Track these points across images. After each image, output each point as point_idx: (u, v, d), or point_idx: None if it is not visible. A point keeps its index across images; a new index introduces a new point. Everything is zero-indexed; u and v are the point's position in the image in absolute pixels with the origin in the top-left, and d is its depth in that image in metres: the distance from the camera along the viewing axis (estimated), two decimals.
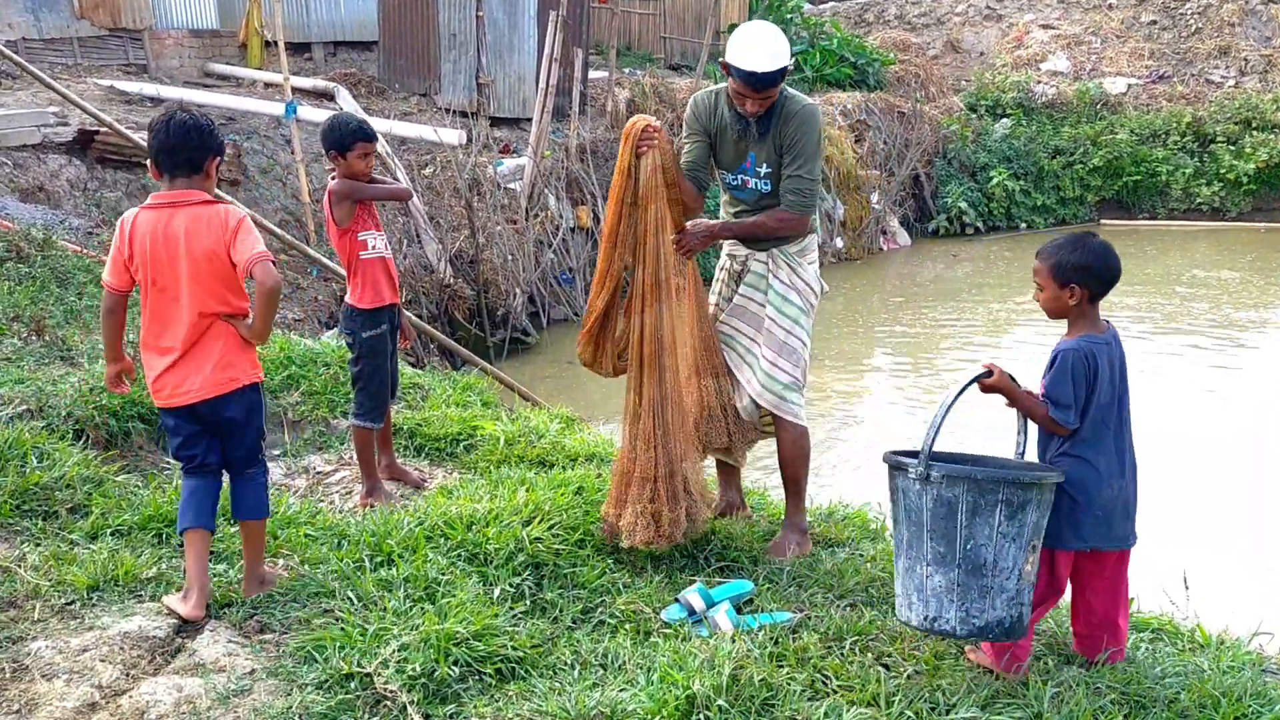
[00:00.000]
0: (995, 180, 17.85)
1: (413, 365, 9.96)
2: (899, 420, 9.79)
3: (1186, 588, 4.55)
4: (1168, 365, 10.82)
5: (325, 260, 8.94)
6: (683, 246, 4.18)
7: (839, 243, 15.78)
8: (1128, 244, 16.84)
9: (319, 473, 5.63)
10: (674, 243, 4.13)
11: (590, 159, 13.38)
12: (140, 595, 3.60)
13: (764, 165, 4.17)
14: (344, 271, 5.10)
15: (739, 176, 4.26)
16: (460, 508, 4.23)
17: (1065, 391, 3.28)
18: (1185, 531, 6.92)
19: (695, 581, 4.08)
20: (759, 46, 3.94)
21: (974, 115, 19.33)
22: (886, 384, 11.16)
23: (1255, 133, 17.74)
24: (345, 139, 4.81)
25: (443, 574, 3.74)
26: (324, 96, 13.83)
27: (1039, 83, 20.68)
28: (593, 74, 15.10)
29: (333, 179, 4.90)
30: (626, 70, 15.99)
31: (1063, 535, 3.32)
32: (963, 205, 17.52)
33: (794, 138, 4.08)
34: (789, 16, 19.12)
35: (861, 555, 4.42)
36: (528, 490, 4.47)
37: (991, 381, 3.34)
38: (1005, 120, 19.12)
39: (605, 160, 13.61)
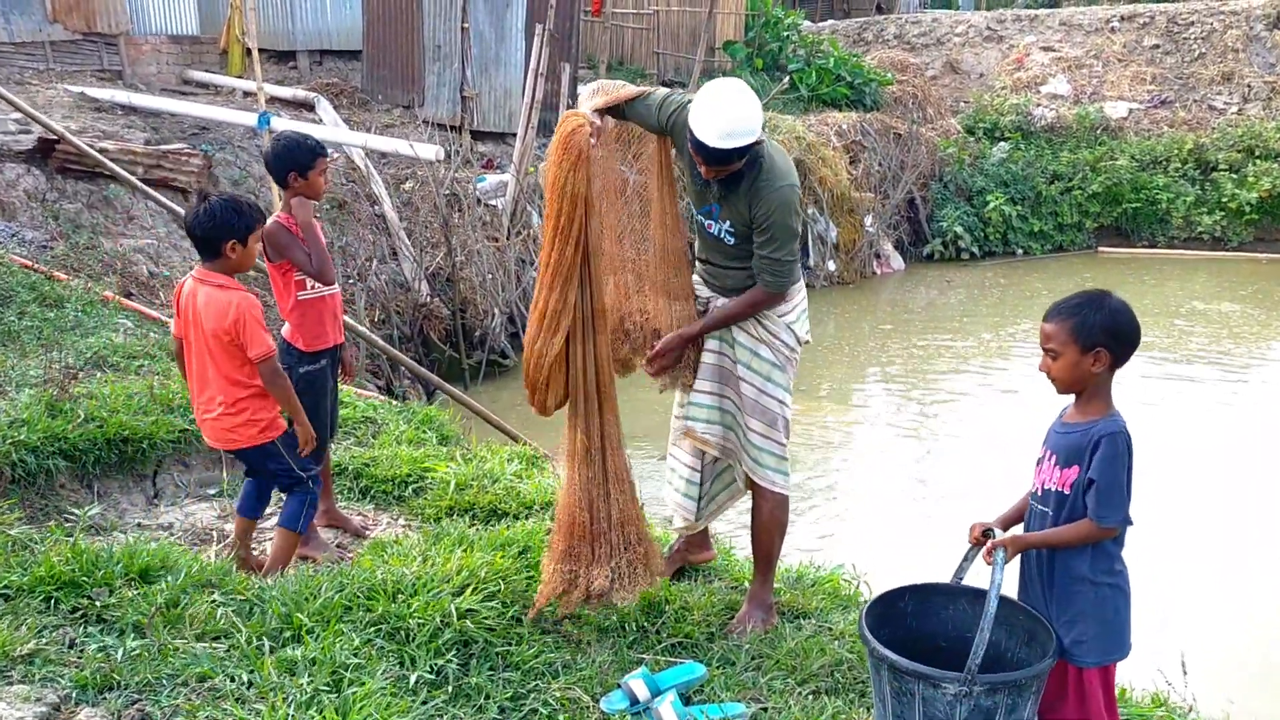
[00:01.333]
0: (992, 205, 17.49)
1: (383, 391, 9.58)
2: (883, 461, 9.39)
3: (1185, 673, 4.17)
4: (1165, 399, 10.44)
5: None
6: (656, 367, 3.92)
7: (831, 266, 15.41)
8: (1126, 273, 16.48)
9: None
10: (648, 363, 3.86)
11: None
12: (9, 676, 3.19)
13: (727, 222, 3.78)
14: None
15: (701, 217, 3.89)
16: (386, 573, 3.83)
17: (1120, 488, 2.84)
18: (1177, 587, 6.53)
19: (643, 661, 3.69)
20: (716, 118, 3.49)
21: (971, 138, 18.98)
22: (873, 418, 10.77)
23: (1258, 161, 17.38)
24: (306, 158, 4.47)
25: (355, 654, 3.34)
26: (303, 107, 13.46)
27: (1038, 105, 20.34)
28: (580, 89, 14.73)
29: (280, 210, 4.53)
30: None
31: (1121, 646, 2.99)
32: (958, 230, 17.14)
33: (766, 220, 3.66)
34: (786, 34, 18.79)
35: (829, 630, 4.03)
36: (464, 552, 4.07)
37: (1000, 542, 2.94)
38: (1003, 144, 18.76)
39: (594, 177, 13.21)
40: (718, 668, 3.68)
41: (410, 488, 5.49)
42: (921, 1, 31.77)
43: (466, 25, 13.37)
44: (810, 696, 3.54)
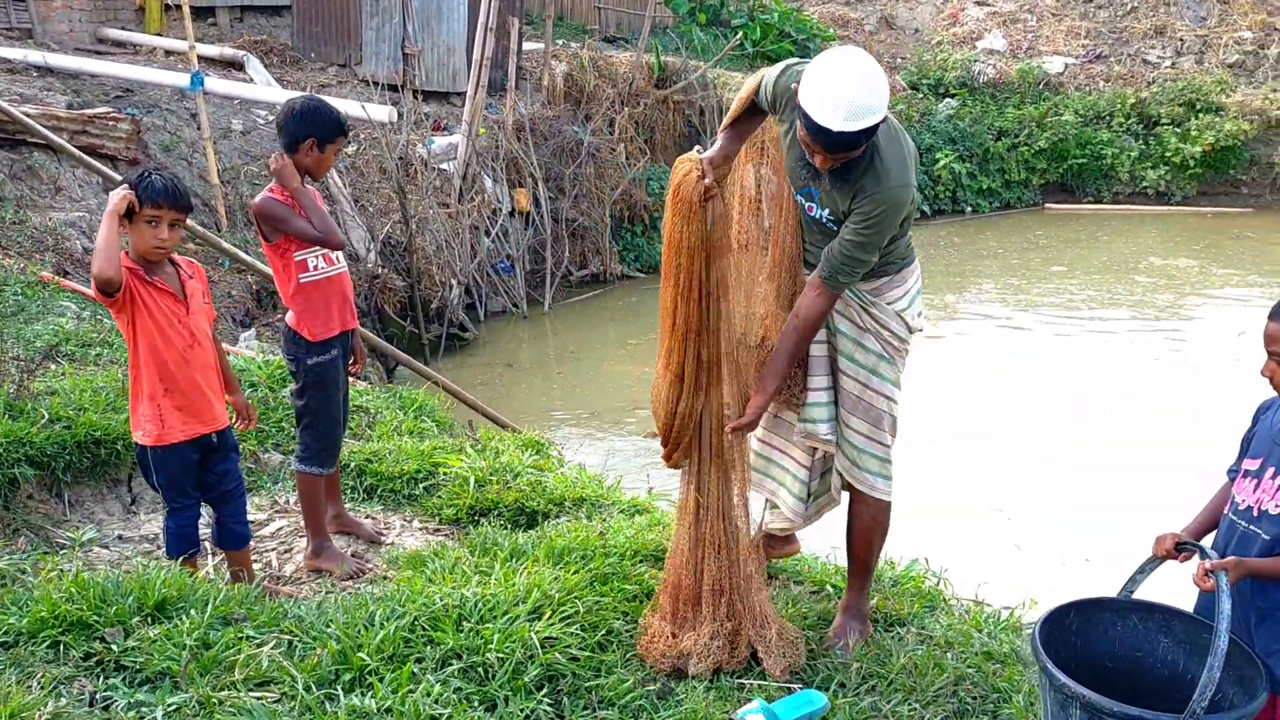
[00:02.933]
0: (941, 163, 17.28)
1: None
2: None
3: None
4: (1148, 358, 10.33)
5: (238, 252, 7.86)
6: (742, 431, 3.42)
7: None
8: (1077, 230, 16.45)
9: (250, 522, 4.66)
10: (732, 431, 3.37)
11: (530, 137, 12.38)
12: None
13: (827, 209, 3.30)
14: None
15: (801, 198, 3.40)
16: (444, 596, 3.33)
17: None
18: None
19: (744, 687, 3.27)
20: (839, 95, 2.90)
21: (917, 95, 18.73)
22: None
23: (1200, 115, 17.45)
24: (331, 129, 3.96)
25: (438, 703, 2.85)
26: (232, 66, 12.60)
27: (978, 62, 20.18)
28: (526, 45, 14.08)
29: (271, 186, 3.95)
30: (560, 43, 14.99)
31: None
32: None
33: (866, 219, 3.16)
34: None
35: (930, 638, 3.65)
36: (527, 566, 3.59)
37: (1222, 565, 2.56)
38: (950, 100, 18.54)
39: (544, 139, 12.65)
40: (832, 692, 3.27)
41: (421, 485, 4.97)
42: None
43: None
44: None
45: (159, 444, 3.59)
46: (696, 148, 3.36)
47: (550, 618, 3.24)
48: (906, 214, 3.24)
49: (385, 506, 4.92)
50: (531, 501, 4.70)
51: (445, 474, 4.96)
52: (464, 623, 3.22)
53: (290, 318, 4.08)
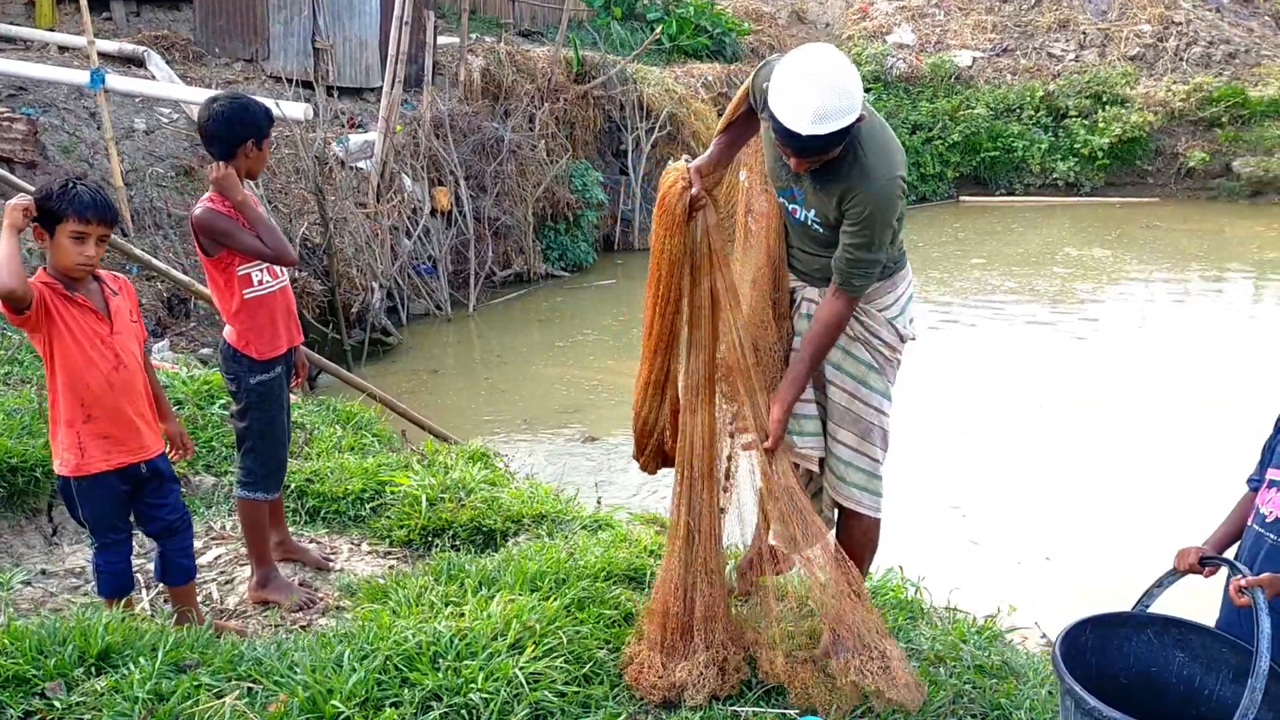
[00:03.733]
0: None
1: None
2: None
3: None
4: (1073, 349, 10.46)
5: (147, 257, 7.43)
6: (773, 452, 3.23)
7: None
8: (992, 222, 16.66)
9: None
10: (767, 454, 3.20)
11: (449, 134, 12.05)
12: None
13: (813, 210, 3.14)
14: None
15: (784, 200, 3.25)
16: (416, 631, 3.10)
17: None
18: None
19: (739, 716, 3.10)
20: (806, 96, 2.77)
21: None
22: None
23: (1107, 107, 17.82)
24: (266, 123, 3.71)
25: None
26: (132, 62, 12.01)
27: (890, 56, 20.35)
28: (440, 40, 13.72)
29: (210, 195, 3.67)
30: (474, 36, 14.65)
31: None
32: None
33: (859, 218, 3.02)
34: None
35: (919, 652, 3.53)
36: (501, 594, 3.37)
37: (1258, 581, 2.46)
38: (866, 94, 18.62)
39: (464, 136, 12.32)
40: (831, 716, 3.12)
41: (368, 505, 4.71)
42: None
43: None
44: None
45: (79, 474, 3.31)
46: (685, 156, 3.21)
47: (533, 651, 3.03)
48: (900, 208, 3.10)
49: (331, 529, 4.65)
50: (488, 520, 4.48)
51: (393, 493, 4.71)
52: (440, 660, 2.99)
53: (230, 335, 3.79)
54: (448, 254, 11.83)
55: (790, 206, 3.20)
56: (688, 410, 3.16)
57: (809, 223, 3.17)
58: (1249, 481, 2.79)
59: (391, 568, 4.29)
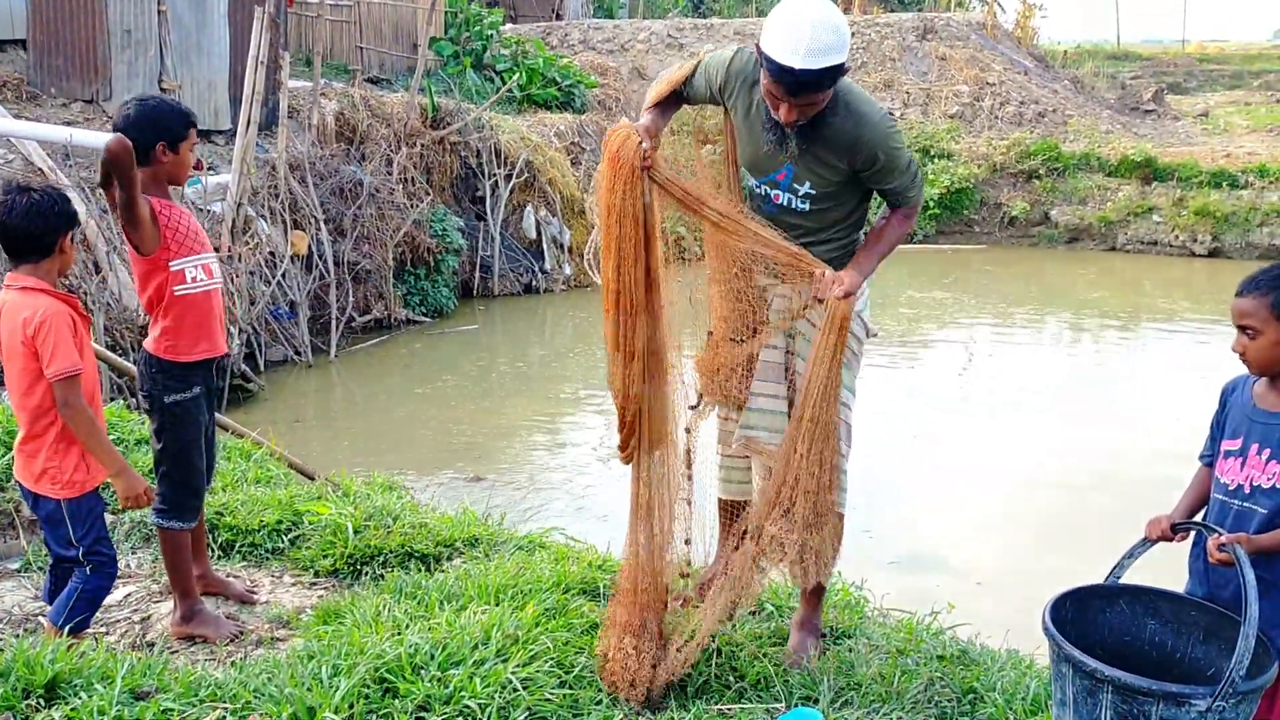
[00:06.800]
0: None
1: None
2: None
3: None
4: (928, 381, 10.93)
5: None
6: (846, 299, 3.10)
7: (568, 269, 15.02)
8: None
9: None
10: (840, 299, 3.06)
11: (308, 176, 11.76)
12: None
13: (806, 183, 3.20)
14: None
15: (765, 186, 3.29)
16: (394, 644, 2.97)
17: None
18: None
19: (726, 715, 3.09)
20: (799, 31, 2.86)
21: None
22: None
23: (936, 160, 18.84)
24: (180, 124, 3.56)
25: None
26: None
27: None
28: (292, 83, 13.42)
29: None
30: (324, 82, 14.40)
31: None
32: (682, 230, 17.27)
33: (878, 160, 3.13)
34: (489, 34, 18.19)
35: (878, 646, 3.60)
36: (473, 607, 3.27)
37: (1235, 539, 2.59)
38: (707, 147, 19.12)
39: (321, 178, 12.05)
40: (828, 709, 3.14)
41: (286, 536, 4.50)
42: (585, 7, 32.14)
43: (164, 8, 11.76)
44: None
45: (83, 493, 3.30)
46: (624, 119, 3.22)
47: (521, 656, 2.95)
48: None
49: (248, 563, 4.41)
50: (419, 545, 4.33)
51: (313, 522, 4.51)
52: (424, 671, 2.88)
53: (151, 341, 3.60)
54: (307, 299, 11.49)
55: (773, 193, 3.25)
56: (645, 377, 3.11)
57: (793, 204, 3.23)
58: (1201, 458, 2.97)
59: (321, 597, 4.10)
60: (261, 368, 10.90)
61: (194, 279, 3.58)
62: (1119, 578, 2.92)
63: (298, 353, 11.30)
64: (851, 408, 3.39)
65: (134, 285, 3.69)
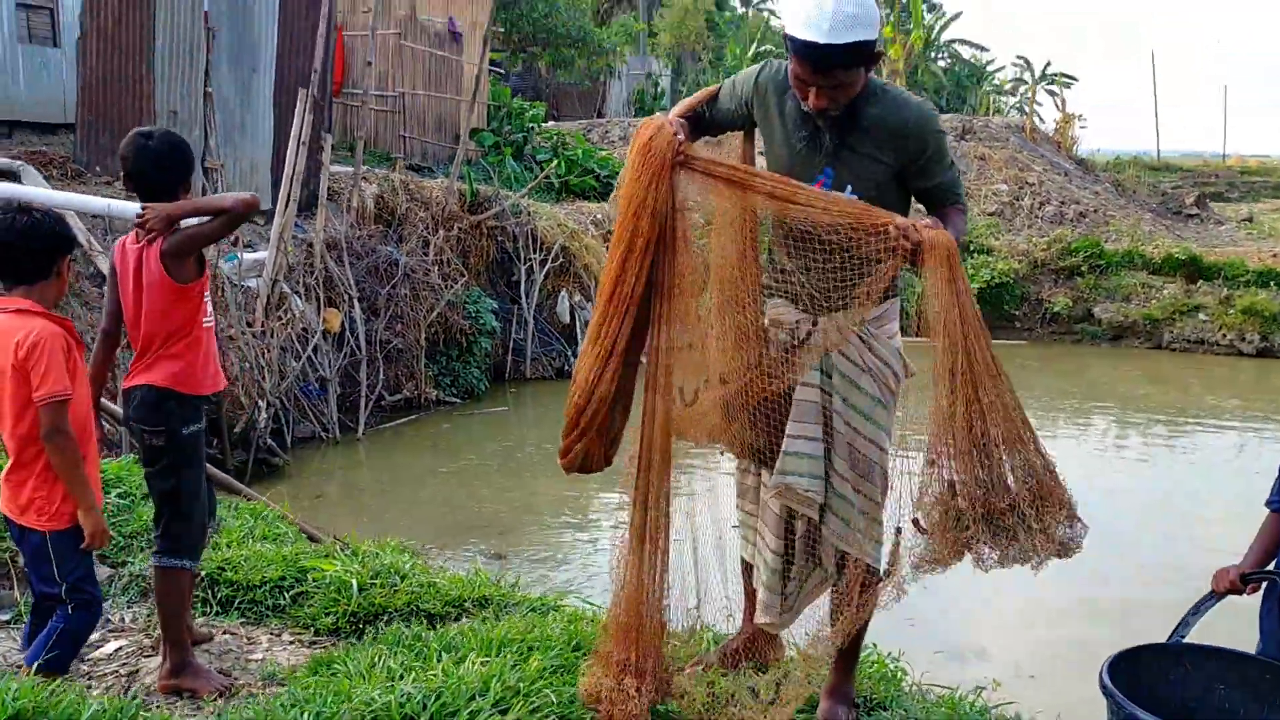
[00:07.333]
0: None
1: None
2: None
3: None
4: None
5: None
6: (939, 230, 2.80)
7: None
8: None
9: None
10: (934, 230, 2.75)
11: (345, 255, 11.79)
12: None
13: (846, 187, 3.01)
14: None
15: None
16: (384, 692, 2.73)
17: None
18: None
19: None
20: (822, 6, 2.70)
21: (709, 227, 19.27)
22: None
23: (975, 255, 18.71)
24: (193, 160, 3.50)
25: None
26: (4, 175, 11.50)
27: None
28: (333, 168, 13.59)
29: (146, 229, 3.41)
30: (366, 168, 14.58)
31: None
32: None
33: (926, 150, 2.95)
34: (530, 127, 18.45)
35: None
36: (472, 658, 3.02)
37: None
38: None
39: (358, 257, 12.08)
40: None
41: (288, 593, 4.28)
42: (627, 106, 32.76)
43: (210, 90, 11.98)
44: None
45: (71, 525, 3.18)
46: (658, 114, 3.07)
47: (521, 708, 2.69)
48: None
49: (246, 619, 4.19)
50: (426, 604, 4.10)
51: (317, 580, 4.29)
52: None
53: (159, 376, 3.44)
54: (337, 375, 11.41)
55: None
56: (627, 371, 2.90)
57: None
58: (1269, 504, 2.72)
59: (320, 653, 3.86)
60: (288, 444, 10.78)
61: (209, 313, 3.52)
62: (1183, 637, 2.65)
63: (325, 429, 11.18)
64: (889, 452, 3.15)
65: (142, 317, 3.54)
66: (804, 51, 2.76)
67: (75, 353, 3.22)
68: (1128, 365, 16.79)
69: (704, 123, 3.23)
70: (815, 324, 3.10)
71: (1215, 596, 2.63)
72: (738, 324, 3.22)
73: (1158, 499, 9.73)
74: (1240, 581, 2.57)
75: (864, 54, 2.77)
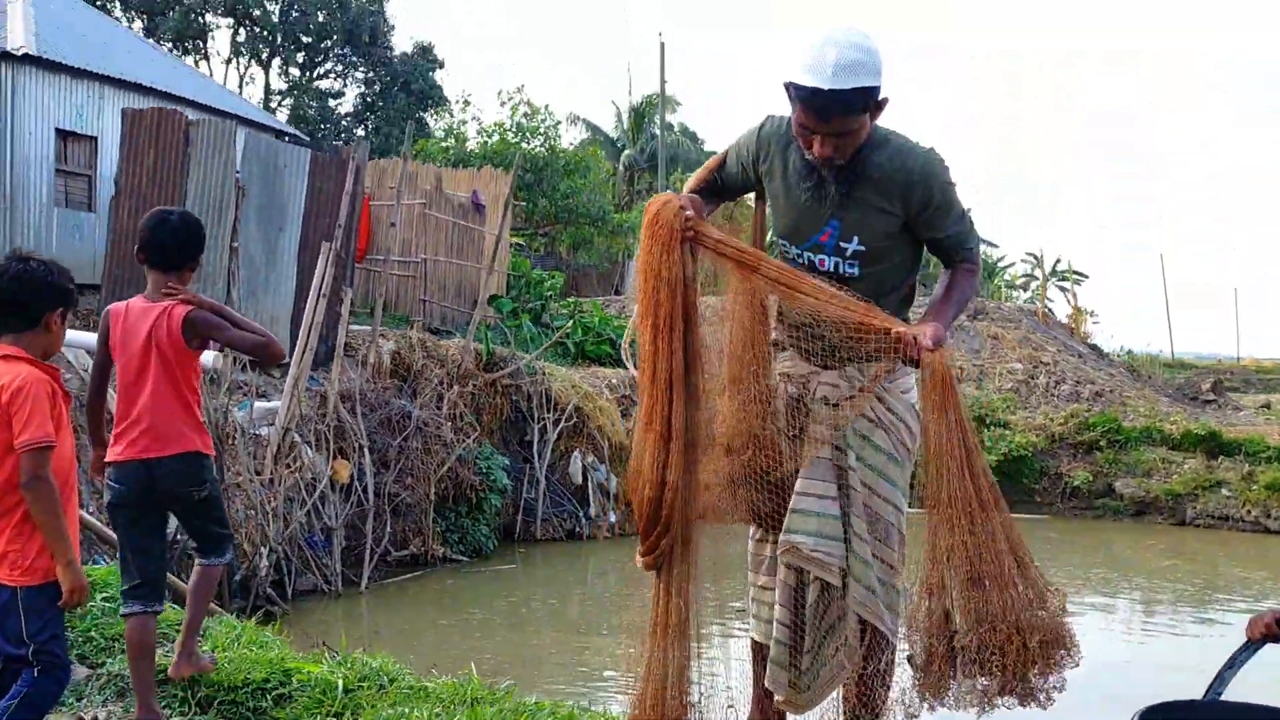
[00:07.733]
0: None
1: None
2: None
3: None
4: None
5: None
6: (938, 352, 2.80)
7: (613, 517, 14.68)
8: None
9: None
10: (931, 349, 2.74)
11: (358, 406, 11.80)
12: None
13: (853, 239, 2.98)
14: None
15: (809, 253, 3.07)
16: None
17: None
18: None
19: None
20: (825, 50, 2.72)
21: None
22: None
23: (991, 428, 18.59)
24: (203, 244, 3.79)
25: None
26: None
27: None
28: (352, 327, 13.77)
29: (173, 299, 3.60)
30: (384, 328, 14.78)
31: None
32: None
33: (932, 200, 2.93)
34: (548, 295, 18.79)
35: None
36: None
37: None
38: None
39: (371, 409, 12.08)
40: None
41: (270, 695, 4.05)
42: None
43: (236, 245, 12.28)
44: None
45: (45, 581, 3.06)
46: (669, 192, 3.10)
47: None
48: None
49: None
50: (415, 712, 3.86)
51: (301, 681, 4.07)
52: None
53: (188, 442, 3.58)
54: (342, 527, 11.22)
55: (817, 259, 3.02)
56: (694, 455, 2.80)
57: (840, 270, 2.98)
58: None
59: None
60: (289, 594, 10.52)
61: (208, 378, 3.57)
62: (1219, 693, 2.44)
63: (328, 581, 10.92)
64: (904, 512, 3.01)
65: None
66: (807, 98, 2.78)
67: (61, 403, 3.15)
68: (1152, 539, 16.41)
69: (717, 189, 3.25)
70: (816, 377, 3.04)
71: (1251, 646, 2.44)
72: (749, 395, 3.16)
73: (1190, 670, 9.31)
74: (1276, 625, 2.38)
75: (868, 100, 2.79)
